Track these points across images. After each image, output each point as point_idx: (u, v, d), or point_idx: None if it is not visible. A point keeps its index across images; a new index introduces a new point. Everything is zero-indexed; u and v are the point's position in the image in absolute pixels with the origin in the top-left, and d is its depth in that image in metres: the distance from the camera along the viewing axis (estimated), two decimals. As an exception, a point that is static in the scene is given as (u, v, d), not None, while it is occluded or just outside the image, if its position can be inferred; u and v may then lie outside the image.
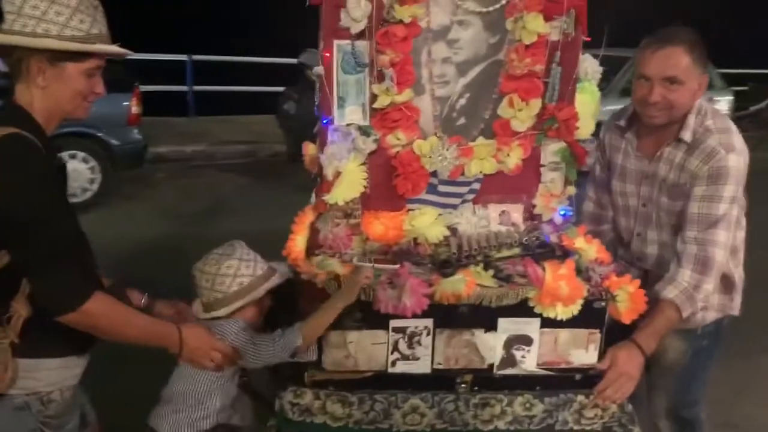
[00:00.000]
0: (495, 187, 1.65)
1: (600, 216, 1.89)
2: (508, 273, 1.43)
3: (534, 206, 1.68)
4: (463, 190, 1.64)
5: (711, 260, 1.55)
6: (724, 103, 6.60)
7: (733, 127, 1.67)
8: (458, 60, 1.56)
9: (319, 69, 1.48)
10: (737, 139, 1.62)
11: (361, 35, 1.45)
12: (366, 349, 1.42)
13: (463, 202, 1.65)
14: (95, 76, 1.24)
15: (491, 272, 1.42)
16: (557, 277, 1.37)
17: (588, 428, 1.52)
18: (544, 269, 1.38)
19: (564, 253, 1.47)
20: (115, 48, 1.26)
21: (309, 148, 1.67)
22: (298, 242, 1.52)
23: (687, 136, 1.61)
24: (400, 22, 1.44)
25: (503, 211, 1.67)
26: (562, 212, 1.69)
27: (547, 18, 1.53)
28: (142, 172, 5.20)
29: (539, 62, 1.55)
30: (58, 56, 1.18)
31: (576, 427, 1.52)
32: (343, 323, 1.38)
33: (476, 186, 1.64)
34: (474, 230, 1.62)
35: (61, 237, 1.17)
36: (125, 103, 4.63)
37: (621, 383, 1.50)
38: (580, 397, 1.51)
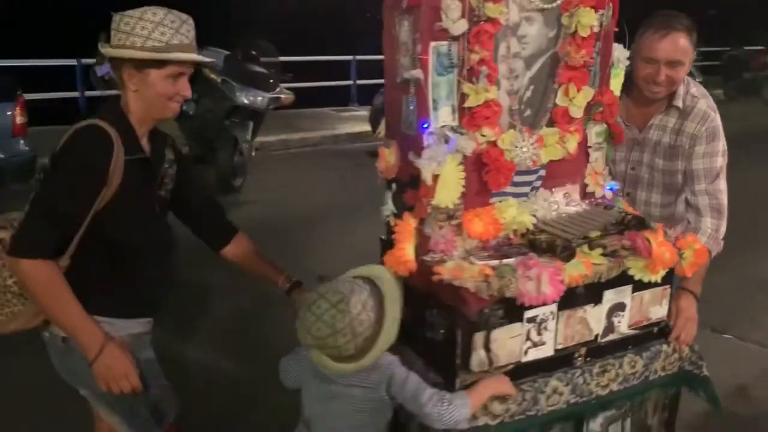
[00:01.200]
0: (557, 172, 1.76)
1: None
2: (612, 249, 1.56)
3: (586, 185, 1.84)
4: (532, 177, 1.73)
5: (722, 206, 1.88)
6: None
7: (705, 90, 1.98)
8: (525, 54, 1.63)
9: (417, 72, 1.44)
10: (713, 101, 1.95)
11: (453, 36, 1.45)
12: (505, 344, 1.46)
13: (533, 189, 1.74)
14: (180, 80, 1.44)
15: (599, 250, 1.55)
16: (659, 245, 1.54)
17: (670, 372, 1.74)
18: (648, 240, 1.54)
19: (644, 223, 1.65)
20: (190, 56, 1.43)
21: (386, 154, 1.62)
22: (408, 251, 1.49)
23: (680, 103, 1.90)
24: (488, 20, 1.47)
25: (566, 193, 1.80)
26: (609, 187, 1.87)
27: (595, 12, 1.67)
28: (32, 185, 4.58)
29: (590, 53, 1.69)
30: (142, 64, 1.39)
31: (662, 374, 1.73)
32: (487, 324, 1.40)
33: (542, 173, 1.74)
34: (549, 214, 1.73)
35: (55, 207, 1.33)
36: (8, 113, 4.23)
37: (689, 327, 1.75)
38: (664, 347, 1.72)
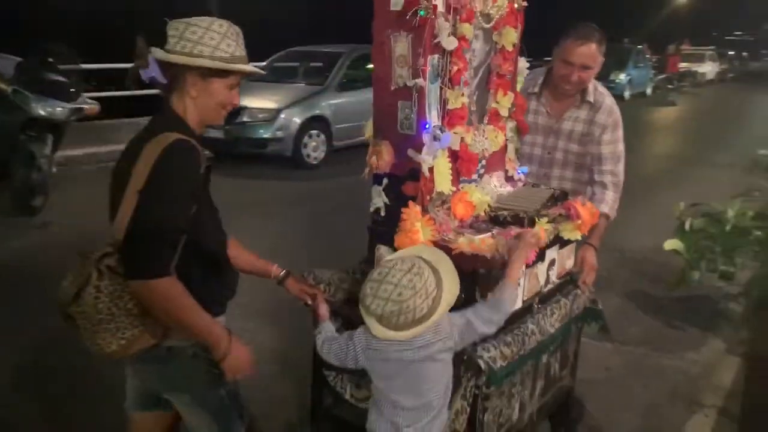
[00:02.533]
0: (491, 161, 2.28)
1: None
2: (553, 217, 2.13)
3: (507, 171, 2.41)
4: (478, 166, 2.22)
5: (621, 183, 2.55)
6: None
7: (606, 89, 2.62)
8: (474, 65, 2.09)
9: (420, 81, 1.78)
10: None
11: (442, 51, 1.83)
12: (501, 300, 1.91)
13: (479, 176, 2.23)
14: (234, 89, 1.57)
15: (545, 219, 2.10)
16: (584, 210, 2.16)
17: (581, 310, 2.41)
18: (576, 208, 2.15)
19: (567, 195, 2.27)
20: (251, 68, 1.59)
21: (382, 152, 1.91)
22: (422, 233, 1.82)
23: (591, 98, 2.51)
24: (463, 37, 1.89)
25: (498, 178, 2.34)
26: (522, 171, 2.47)
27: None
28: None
29: (512, 64, 2.25)
30: (208, 73, 1.50)
31: (577, 312, 2.38)
32: (495, 282, 1.83)
33: (484, 162, 2.25)
34: (494, 195, 2.23)
35: (168, 225, 1.40)
36: None
37: (592, 274, 2.44)
38: (577, 290, 2.38)
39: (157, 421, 1.75)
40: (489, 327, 1.70)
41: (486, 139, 2.12)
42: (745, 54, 36.18)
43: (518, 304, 2.03)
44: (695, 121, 15.15)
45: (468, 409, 1.79)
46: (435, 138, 1.86)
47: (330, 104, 8.23)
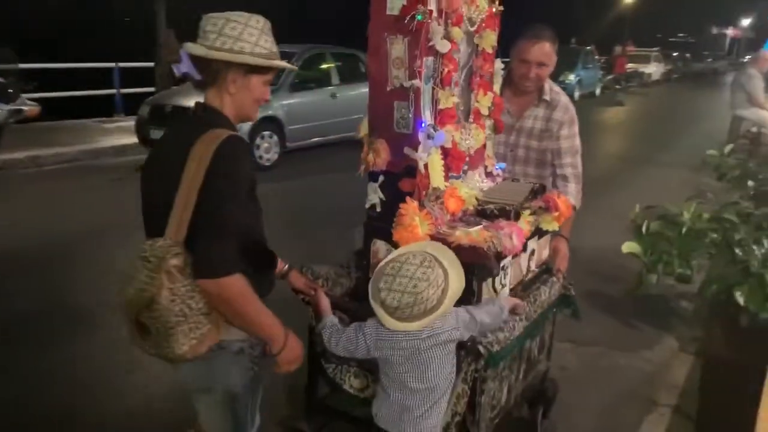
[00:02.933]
0: (474, 158, 2.50)
1: None
2: (534, 209, 2.37)
3: (486, 167, 2.65)
4: (462, 162, 2.45)
5: (581, 174, 2.77)
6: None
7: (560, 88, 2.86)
8: (460, 66, 2.32)
9: (417, 82, 1.97)
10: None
11: (435, 53, 2.04)
12: (492, 289, 2.13)
13: (463, 172, 2.46)
14: (268, 85, 1.64)
15: (527, 212, 2.34)
16: (560, 202, 2.42)
17: (557, 296, 2.68)
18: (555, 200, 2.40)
19: (545, 189, 2.52)
20: (286, 63, 1.68)
21: (379, 150, 2.10)
22: (421, 227, 2.01)
23: (547, 97, 2.73)
24: (452, 41, 2.11)
25: (479, 174, 2.57)
26: (499, 167, 2.71)
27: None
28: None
29: (492, 65, 2.50)
30: (249, 69, 1.55)
31: (553, 298, 2.65)
32: (491, 273, 2.04)
33: (468, 159, 2.48)
34: (477, 191, 2.47)
35: (234, 221, 1.46)
36: None
37: (565, 262, 2.71)
38: (553, 278, 2.64)
39: None
40: (484, 324, 1.90)
41: (471, 137, 2.35)
42: (688, 55, 38.38)
43: (506, 293, 2.27)
44: (643, 120, 16.00)
45: (468, 392, 2.00)
46: (429, 136, 2.06)
47: (282, 105, 8.33)
